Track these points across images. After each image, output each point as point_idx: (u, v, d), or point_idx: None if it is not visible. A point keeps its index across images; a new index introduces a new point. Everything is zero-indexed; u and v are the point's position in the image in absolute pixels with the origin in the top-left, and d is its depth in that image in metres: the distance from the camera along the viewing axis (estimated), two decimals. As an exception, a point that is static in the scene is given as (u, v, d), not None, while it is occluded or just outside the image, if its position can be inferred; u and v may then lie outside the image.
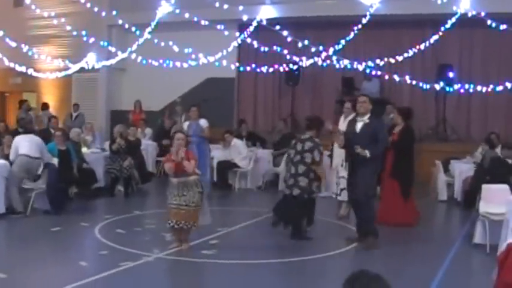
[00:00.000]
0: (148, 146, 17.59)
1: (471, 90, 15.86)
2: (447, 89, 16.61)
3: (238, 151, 16.19)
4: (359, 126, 9.77)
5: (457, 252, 9.62)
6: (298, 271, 8.47)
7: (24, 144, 12.00)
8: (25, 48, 18.48)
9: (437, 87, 16.31)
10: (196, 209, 8.95)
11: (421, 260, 9.13)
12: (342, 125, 12.06)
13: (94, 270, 8.04)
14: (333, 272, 8.78)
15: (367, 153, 9.41)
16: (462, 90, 16.12)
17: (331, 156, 13.17)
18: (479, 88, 15.62)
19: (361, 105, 9.90)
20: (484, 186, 10.19)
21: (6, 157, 12.37)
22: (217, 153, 16.33)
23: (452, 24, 16.04)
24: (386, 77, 16.90)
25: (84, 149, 14.87)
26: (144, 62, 18.79)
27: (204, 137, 14.37)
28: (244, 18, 17.57)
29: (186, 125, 14.63)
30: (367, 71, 17.12)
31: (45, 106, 22.12)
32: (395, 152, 11.32)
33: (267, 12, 19.29)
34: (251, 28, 18.02)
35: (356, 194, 9.76)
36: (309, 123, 10.61)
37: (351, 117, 11.39)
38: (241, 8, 17.28)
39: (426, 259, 9.17)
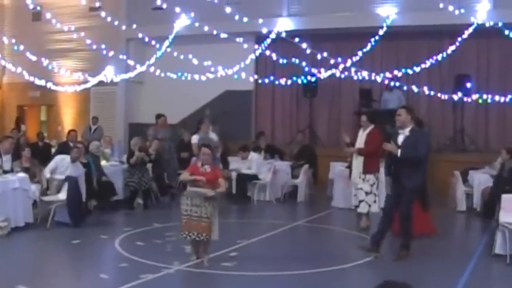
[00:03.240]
0: (166, 159, 17.61)
1: (489, 101, 15.82)
2: (465, 99, 16.57)
3: (255, 164, 16.20)
4: (400, 139, 9.63)
5: (477, 262, 9.58)
6: (318, 282, 8.47)
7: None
8: (45, 62, 18.63)
9: (455, 97, 16.28)
10: (207, 222, 8.88)
11: (440, 270, 9.09)
12: (361, 138, 12.11)
13: (115, 282, 8.09)
14: (353, 283, 8.78)
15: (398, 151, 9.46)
16: (480, 101, 16.08)
17: (349, 167, 13.19)
18: (497, 98, 15.59)
19: (396, 118, 9.85)
20: (504, 196, 10.14)
21: (26, 170, 12.48)
22: (236, 165, 16.36)
23: (470, 35, 16.04)
24: (405, 87, 16.90)
25: (103, 162, 14.94)
26: (163, 75, 18.87)
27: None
28: (264, 31, 17.60)
29: (196, 138, 14.59)
30: (386, 82, 17.10)
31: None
32: None
33: (284, 25, 19.37)
34: (268, 40, 18.07)
35: (401, 207, 9.69)
36: None
37: (366, 130, 11.60)
38: (261, 21, 17.32)
39: (446, 270, 9.14)
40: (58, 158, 12.92)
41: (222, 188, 9.01)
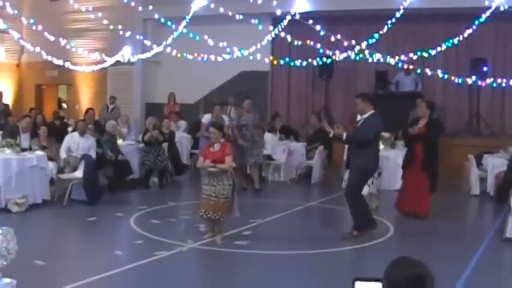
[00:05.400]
0: (182, 139, 17.75)
1: (504, 85, 15.79)
2: (479, 83, 16.53)
3: (270, 144, 16.30)
4: (359, 124, 9.94)
5: (488, 246, 9.62)
6: (329, 262, 8.59)
7: None
8: (63, 42, 18.76)
9: (469, 81, 16.25)
10: (225, 201, 9.07)
11: (451, 253, 9.16)
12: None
13: (129, 259, 8.27)
14: (364, 264, 8.89)
15: (342, 134, 9.77)
16: (495, 84, 16.05)
17: None
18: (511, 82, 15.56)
19: (356, 108, 10.21)
20: (517, 181, 10.18)
21: (43, 148, 12.66)
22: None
23: (487, 18, 15.97)
24: (418, 71, 16.90)
25: (119, 141, 15.08)
26: (179, 55, 18.96)
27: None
28: (278, 12, 17.64)
29: (206, 118, 15.01)
30: (405, 66, 17.11)
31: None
32: (425, 144, 11.36)
33: (301, 6, 19.33)
34: (285, 22, 18.10)
35: (346, 187, 10.14)
36: None
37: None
38: (275, 3, 17.36)
39: (457, 252, 9.22)
40: (67, 137, 13.15)
41: (226, 165, 9.11)
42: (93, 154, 12.95)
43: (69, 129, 17.01)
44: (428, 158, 11.33)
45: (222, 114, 15.37)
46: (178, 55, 19.01)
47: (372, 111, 9.80)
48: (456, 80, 16.20)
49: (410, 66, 17.13)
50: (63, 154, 12.73)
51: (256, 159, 14.66)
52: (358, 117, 11.65)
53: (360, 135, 9.73)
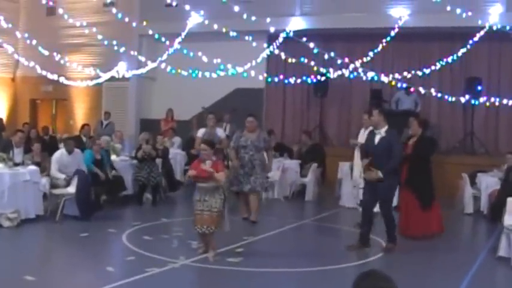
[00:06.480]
0: (176, 155, 17.70)
1: (496, 104, 15.83)
2: (473, 102, 16.59)
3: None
4: (377, 139, 10.00)
5: (481, 264, 9.61)
6: (323, 280, 8.54)
7: None
8: (57, 57, 18.77)
9: (462, 100, 16.29)
10: (218, 214, 9.04)
11: (444, 271, 9.14)
12: (362, 137, 12.12)
13: (121, 275, 8.18)
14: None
15: (379, 175, 9.77)
16: (487, 104, 16.09)
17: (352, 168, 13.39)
18: (504, 102, 15.61)
19: (370, 119, 10.31)
20: (510, 200, 10.16)
21: (37, 164, 12.61)
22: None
23: (482, 38, 16.04)
24: (411, 89, 16.98)
25: (113, 157, 15.04)
26: (174, 71, 18.98)
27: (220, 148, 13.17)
28: (272, 30, 17.72)
29: (201, 132, 13.94)
30: (402, 85, 17.15)
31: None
32: (410, 163, 11.32)
33: (296, 24, 19.43)
34: (280, 39, 18.15)
35: (383, 204, 10.10)
36: None
37: (370, 128, 11.49)
38: (268, 20, 17.42)
39: (450, 270, 9.20)
40: (57, 155, 12.93)
41: (218, 180, 9.07)
42: (83, 169, 12.90)
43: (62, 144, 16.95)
44: (412, 175, 11.27)
45: (217, 126, 14.84)
46: (173, 71, 19.02)
47: (387, 127, 9.98)
48: (450, 99, 16.25)
49: (404, 85, 17.18)
50: (59, 175, 12.60)
51: (253, 187, 12.12)
52: (361, 132, 11.78)
53: (393, 162, 9.89)
